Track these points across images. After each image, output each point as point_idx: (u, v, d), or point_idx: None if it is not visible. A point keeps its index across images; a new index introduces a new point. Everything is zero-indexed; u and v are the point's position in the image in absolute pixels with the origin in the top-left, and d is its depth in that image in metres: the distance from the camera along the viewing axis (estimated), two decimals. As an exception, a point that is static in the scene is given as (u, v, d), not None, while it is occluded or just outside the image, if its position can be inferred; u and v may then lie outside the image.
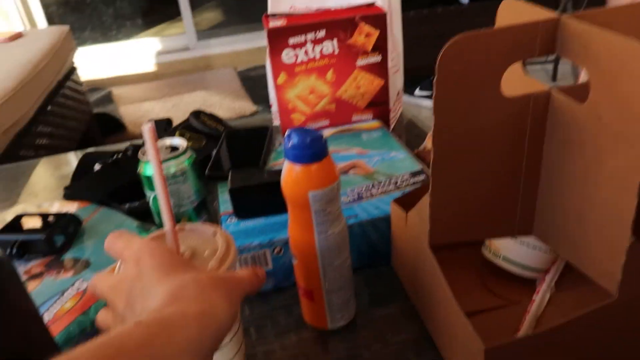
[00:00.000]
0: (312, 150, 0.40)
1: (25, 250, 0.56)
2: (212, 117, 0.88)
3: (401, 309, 0.51)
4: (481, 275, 0.53)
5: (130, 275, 0.32)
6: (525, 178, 0.42)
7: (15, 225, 0.59)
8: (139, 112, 2.52)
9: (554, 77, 2.40)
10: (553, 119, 0.39)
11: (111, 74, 3.02)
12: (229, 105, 2.50)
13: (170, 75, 3.00)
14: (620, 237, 0.33)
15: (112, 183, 0.70)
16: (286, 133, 0.41)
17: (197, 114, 0.87)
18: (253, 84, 2.74)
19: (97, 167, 0.74)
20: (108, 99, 2.72)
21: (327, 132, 0.75)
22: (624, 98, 0.32)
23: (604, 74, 0.33)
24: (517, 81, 0.43)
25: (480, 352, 0.35)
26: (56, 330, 0.46)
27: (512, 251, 0.50)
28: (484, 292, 0.51)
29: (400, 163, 0.64)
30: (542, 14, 0.38)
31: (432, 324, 0.46)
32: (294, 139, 0.40)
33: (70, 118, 1.92)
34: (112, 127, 2.34)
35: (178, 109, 2.47)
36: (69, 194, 0.71)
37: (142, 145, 0.71)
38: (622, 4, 0.39)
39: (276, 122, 0.84)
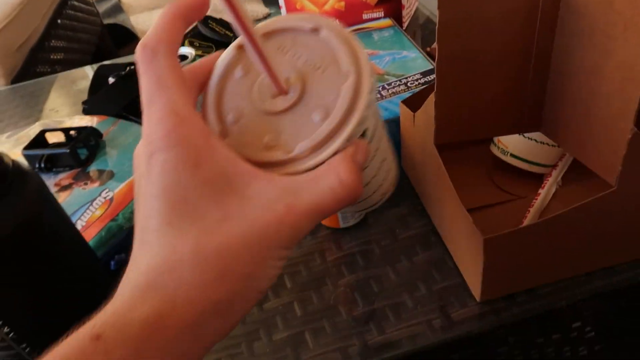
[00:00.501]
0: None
1: (52, 163, 0.59)
2: (221, 22, 0.86)
3: (410, 208, 0.53)
4: (489, 171, 0.54)
5: (139, 185, 0.24)
6: (534, 73, 0.41)
7: (40, 140, 0.62)
8: (149, 21, 2.45)
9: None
10: (564, 8, 0.37)
11: (118, -19, 2.90)
12: (241, 8, 2.41)
13: (178, -21, 2.88)
14: (622, 129, 0.33)
15: (127, 95, 0.71)
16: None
17: (205, 21, 0.84)
18: (264, -17, 2.61)
19: (111, 80, 0.75)
20: (118, 8, 2.64)
21: (337, 34, 0.73)
22: (636, -18, 0.30)
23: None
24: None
25: (479, 243, 0.37)
26: (89, 236, 0.50)
27: (520, 147, 0.50)
28: (491, 188, 0.52)
29: (412, 62, 0.62)
30: None
31: (437, 219, 0.48)
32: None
33: (82, 30, 1.89)
34: (125, 37, 2.31)
35: (189, 15, 2.40)
36: (87, 108, 0.73)
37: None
38: None
39: (286, 25, 0.82)
